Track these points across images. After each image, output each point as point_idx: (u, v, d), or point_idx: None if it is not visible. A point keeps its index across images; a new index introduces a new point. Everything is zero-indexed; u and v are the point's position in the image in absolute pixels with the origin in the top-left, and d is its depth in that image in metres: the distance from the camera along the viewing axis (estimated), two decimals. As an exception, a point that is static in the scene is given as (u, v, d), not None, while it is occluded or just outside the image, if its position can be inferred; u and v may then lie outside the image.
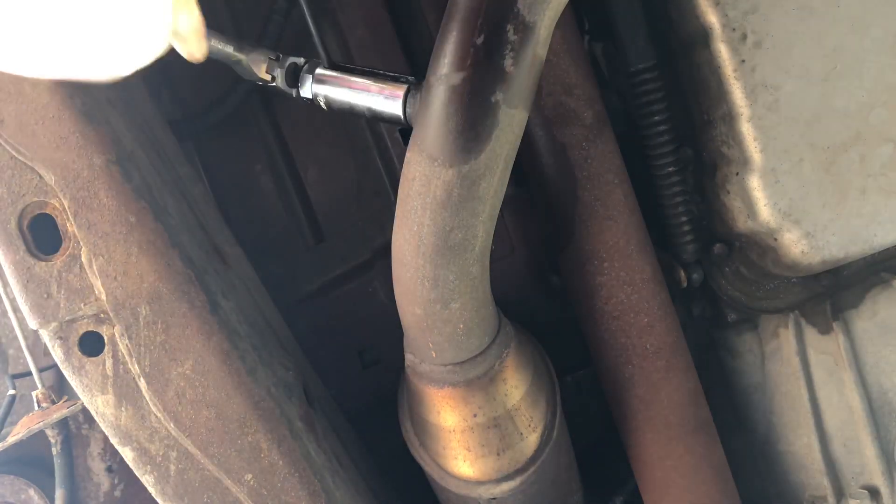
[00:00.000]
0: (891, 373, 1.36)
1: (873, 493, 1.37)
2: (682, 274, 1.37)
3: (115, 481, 1.55)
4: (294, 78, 0.93)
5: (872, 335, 1.36)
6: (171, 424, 0.91)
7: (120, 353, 0.89)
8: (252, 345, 0.97)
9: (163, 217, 0.91)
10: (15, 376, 1.53)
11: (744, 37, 1.14)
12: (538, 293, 1.43)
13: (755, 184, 1.19)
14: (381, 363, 1.43)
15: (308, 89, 0.93)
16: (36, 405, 1.44)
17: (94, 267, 0.87)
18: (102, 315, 0.88)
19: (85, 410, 1.46)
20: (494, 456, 1.05)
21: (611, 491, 1.55)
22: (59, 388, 1.57)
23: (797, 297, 1.41)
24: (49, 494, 1.51)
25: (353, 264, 1.40)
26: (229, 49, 0.85)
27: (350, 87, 0.92)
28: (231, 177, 1.38)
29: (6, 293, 1.41)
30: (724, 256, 1.39)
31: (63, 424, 1.52)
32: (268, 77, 0.91)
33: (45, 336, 0.88)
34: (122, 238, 0.87)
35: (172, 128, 1.25)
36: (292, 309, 1.35)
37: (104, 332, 0.89)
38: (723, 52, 1.15)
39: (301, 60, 0.95)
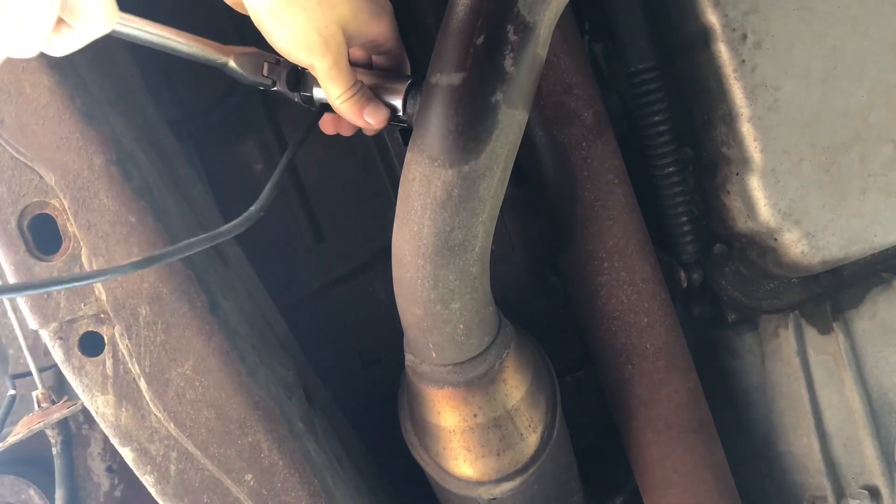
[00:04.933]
0: (891, 373, 1.36)
1: (873, 493, 1.37)
2: (682, 274, 1.37)
3: (115, 481, 1.55)
4: (296, 82, 0.92)
5: (872, 335, 1.36)
6: (171, 424, 0.91)
7: (120, 354, 0.89)
8: (252, 345, 0.97)
9: (163, 217, 0.91)
10: (15, 376, 1.53)
11: (744, 37, 1.14)
12: (538, 293, 1.43)
13: (755, 184, 1.19)
14: (381, 363, 1.43)
15: (311, 92, 0.92)
16: (36, 405, 1.44)
17: (94, 267, 0.87)
18: (102, 315, 0.88)
19: (85, 410, 1.46)
20: (494, 456, 1.05)
21: (611, 491, 1.55)
22: (59, 388, 1.57)
23: (797, 297, 1.41)
24: (49, 494, 1.51)
25: (353, 265, 1.40)
26: (210, 50, 0.83)
27: None
28: (231, 177, 1.38)
29: (6, 293, 1.40)
30: (724, 256, 1.39)
31: (63, 424, 1.52)
32: (268, 81, 0.90)
33: (45, 336, 0.88)
34: (122, 238, 0.87)
35: (172, 128, 1.25)
36: (292, 309, 1.35)
37: (104, 332, 0.89)
38: (723, 52, 1.15)
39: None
